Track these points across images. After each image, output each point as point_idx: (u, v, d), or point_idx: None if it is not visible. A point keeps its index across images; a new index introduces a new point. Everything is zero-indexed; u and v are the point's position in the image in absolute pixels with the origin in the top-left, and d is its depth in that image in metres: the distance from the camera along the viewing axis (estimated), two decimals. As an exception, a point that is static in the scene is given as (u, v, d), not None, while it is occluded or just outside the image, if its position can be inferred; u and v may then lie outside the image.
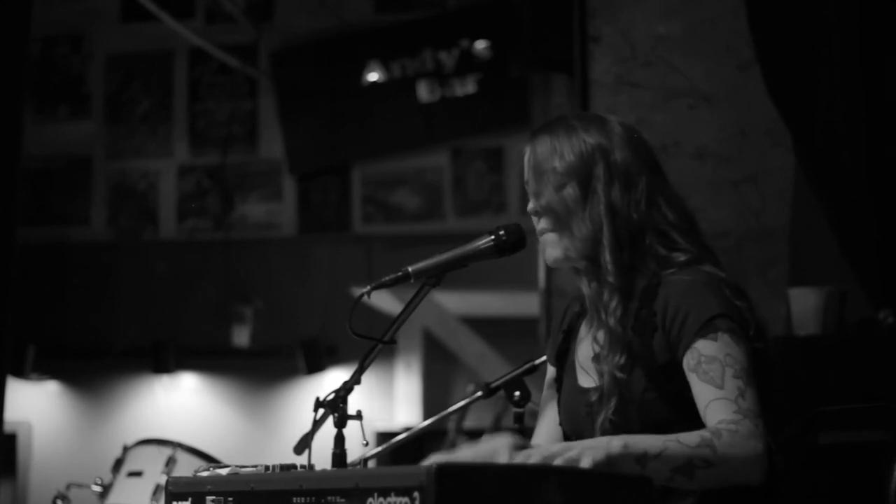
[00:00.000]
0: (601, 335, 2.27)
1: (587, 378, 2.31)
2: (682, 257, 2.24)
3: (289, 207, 7.82)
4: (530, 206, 2.32)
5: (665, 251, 2.24)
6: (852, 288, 3.97)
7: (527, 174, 2.33)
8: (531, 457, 1.96)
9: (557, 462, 1.94)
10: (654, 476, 1.99)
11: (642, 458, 1.99)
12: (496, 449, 2.16)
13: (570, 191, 2.26)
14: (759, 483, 2.07)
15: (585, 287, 2.30)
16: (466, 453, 2.14)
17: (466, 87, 7.49)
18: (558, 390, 2.40)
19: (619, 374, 2.21)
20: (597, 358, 2.27)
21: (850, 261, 4.05)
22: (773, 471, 2.23)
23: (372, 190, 7.73)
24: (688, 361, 2.14)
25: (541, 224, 2.31)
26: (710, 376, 2.11)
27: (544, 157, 2.29)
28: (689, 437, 2.03)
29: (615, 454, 1.97)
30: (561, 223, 2.28)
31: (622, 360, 2.21)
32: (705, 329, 2.13)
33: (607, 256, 2.23)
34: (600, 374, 2.25)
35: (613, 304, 2.24)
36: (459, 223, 7.50)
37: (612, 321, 2.23)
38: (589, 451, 1.96)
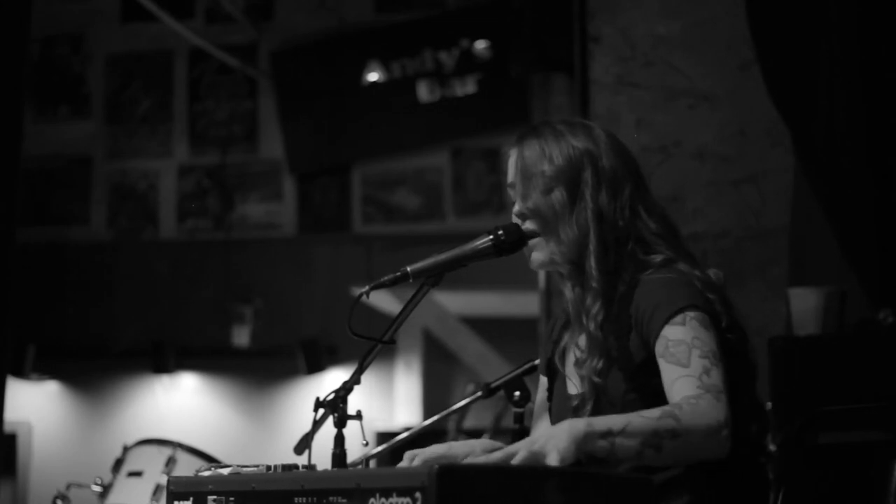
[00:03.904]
0: (582, 340, 2.28)
1: (574, 386, 2.31)
2: (657, 259, 2.25)
3: (289, 207, 7.81)
4: (516, 208, 2.33)
5: (643, 256, 2.26)
6: (852, 288, 3.97)
7: (512, 177, 2.34)
8: (494, 455, 1.96)
9: (517, 461, 1.93)
10: (624, 454, 1.99)
11: (607, 434, 1.98)
12: (472, 447, 2.18)
13: (558, 195, 2.27)
14: (723, 457, 2.06)
15: (569, 291, 2.31)
16: (439, 448, 2.18)
17: (466, 87, 7.49)
18: (549, 399, 2.41)
19: (595, 379, 2.22)
20: (577, 363, 2.28)
21: (850, 261, 4.06)
22: (760, 467, 2.24)
23: (372, 190, 7.73)
24: (658, 349, 2.15)
25: (526, 226, 2.31)
26: (677, 357, 2.11)
27: (533, 161, 2.29)
28: (651, 411, 2.03)
29: (579, 435, 1.96)
30: (548, 227, 2.29)
31: (600, 365, 2.22)
32: (673, 317, 2.14)
33: (592, 262, 2.24)
34: (581, 380, 2.26)
35: (595, 308, 2.25)
36: (459, 223, 7.50)
37: (592, 326, 2.24)
38: (552, 442, 1.95)
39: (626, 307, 2.22)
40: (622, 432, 1.98)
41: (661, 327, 2.15)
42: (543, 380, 2.46)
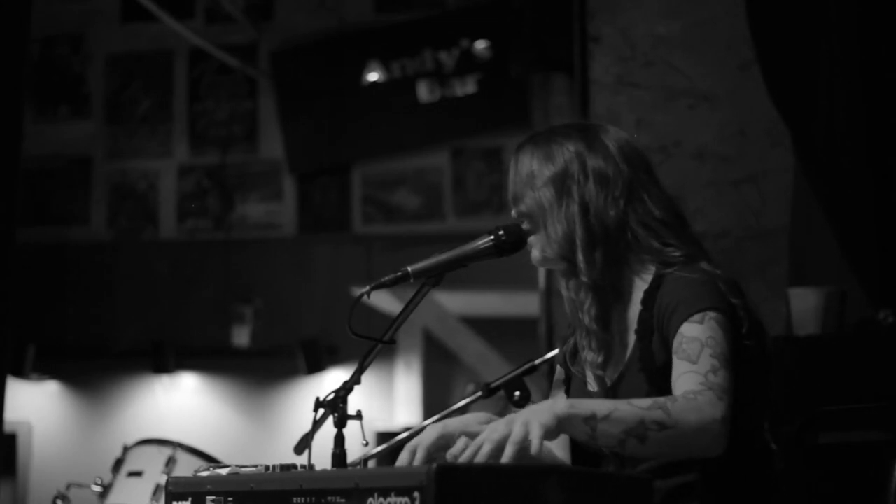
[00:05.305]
0: (583, 336, 2.29)
1: (592, 384, 2.32)
2: (677, 253, 2.25)
3: (289, 207, 7.81)
4: (513, 211, 2.35)
5: (658, 244, 2.25)
6: (852, 288, 3.96)
7: (511, 183, 2.35)
8: (483, 444, 1.95)
9: (510, 447, 1.93)
10: (606, 441, 1.98)
11: (590, 418, 1.97)
12: (467, 423, 2.18)
13: (547, 192, 2.28)
14: (717, 454, 2.03)
15: (564, 289, 2.32)
16: (433, 431, 2.16)
17: (466, 87, 7.49)
18: (566, 392, 2.42)
19: (598, 373, 2.24)
20: (587, 362, 2.29)
21: (850, 261, 4.06)
22: (771, 472, 2.23)
23: (372, 190, 7.72)
24: (673, 346, 2.14)
25: (523, 226, 2.33)
26: (688, 353, 2.10)
27: (525, 165, 2.32)
28: (642, 401, 2.01)
29: (562, 415, 1.96)
30: (538, 225, 2.30)
31: (601, 359, 2.24)
32: (692, 315, 2.13)
33: (580, 255, 2.24)
34: (595, 378, 2.27)
35: (588, 302, 2.26)
36: (459, 223, 7.50)
37: (587, 319, 2.25)
38: (535, 419, 1.95)
39: (650, 307, 2.22)
40: (606, 418, 1.97)
41: (680, 325, 2.14)
42: (560, 370, 2.46)
